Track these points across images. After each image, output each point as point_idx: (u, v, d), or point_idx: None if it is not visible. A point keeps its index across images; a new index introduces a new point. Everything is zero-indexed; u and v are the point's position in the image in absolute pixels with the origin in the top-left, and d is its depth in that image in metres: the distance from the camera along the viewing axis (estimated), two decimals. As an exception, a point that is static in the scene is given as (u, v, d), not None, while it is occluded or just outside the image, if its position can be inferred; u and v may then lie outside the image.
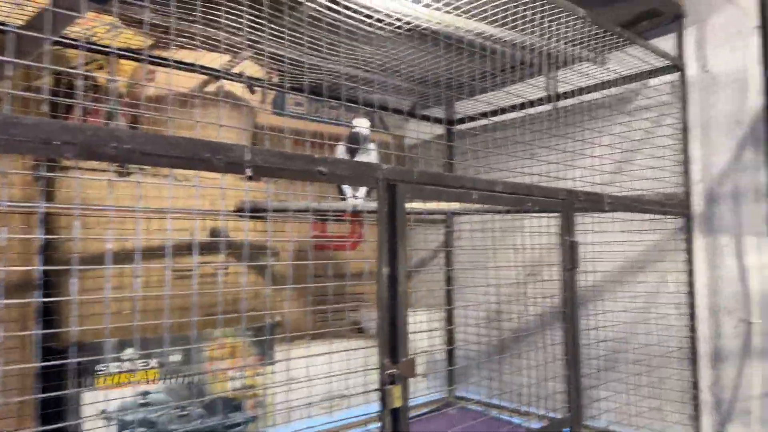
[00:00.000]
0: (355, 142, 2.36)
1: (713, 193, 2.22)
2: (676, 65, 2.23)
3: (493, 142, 2.72)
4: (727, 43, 2.20)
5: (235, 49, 2.05)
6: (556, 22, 1.79)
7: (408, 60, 2.19)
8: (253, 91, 2.67)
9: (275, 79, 2.54)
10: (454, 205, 2.34)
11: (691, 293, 2.19)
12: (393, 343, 1.22)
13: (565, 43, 2.00)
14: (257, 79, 2.41)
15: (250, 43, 1.93)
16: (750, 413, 2.07)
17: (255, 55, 2.13)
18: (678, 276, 2.24)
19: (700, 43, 2.32)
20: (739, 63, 2.16)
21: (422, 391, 2.91)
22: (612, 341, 2.27)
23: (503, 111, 2.55)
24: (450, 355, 3.04)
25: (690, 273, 2.19)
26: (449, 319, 3.02)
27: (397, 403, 1.20)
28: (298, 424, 2.27)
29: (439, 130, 3.23)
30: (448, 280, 3.05)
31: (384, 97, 2.77)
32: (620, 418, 2.31)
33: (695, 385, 2.17)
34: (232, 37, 1.86)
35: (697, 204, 2.26)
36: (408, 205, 1.29)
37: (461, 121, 3.18)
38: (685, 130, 2.25)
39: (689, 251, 2.21)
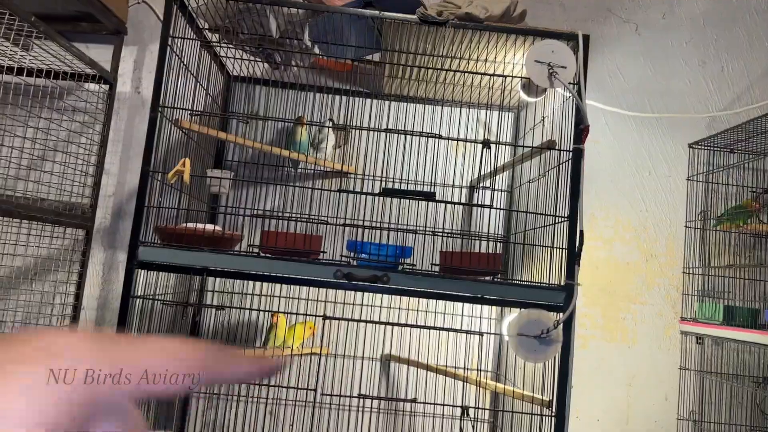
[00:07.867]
0: None
1: (122, 210, 2.29)
2: (106, 78, 2.21)
3: None
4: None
5: None
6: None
7: None
8: None
9: None
10: None
11: (77, 307, 2.16)
12: None
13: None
14: None
15: None
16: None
17: None
18: (68, 288, 2.18)
19: (138, 65, 2.40)
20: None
21: None
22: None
23: None
24: None
25: (80, 285, 2.17)
26: None
27: None
28: None
29: None
30: None
31: None
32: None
33: None
34: None
35: (103, 218, 2.28)
36: None
37: None
38: (104, 142, 2.24)
39: (84, 264, 2.20)
